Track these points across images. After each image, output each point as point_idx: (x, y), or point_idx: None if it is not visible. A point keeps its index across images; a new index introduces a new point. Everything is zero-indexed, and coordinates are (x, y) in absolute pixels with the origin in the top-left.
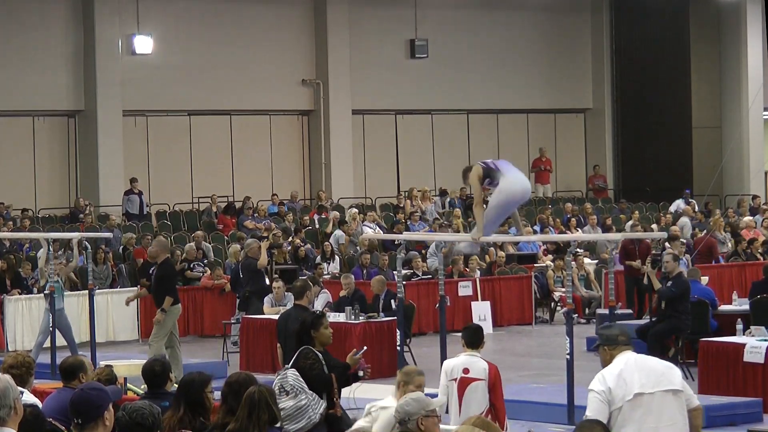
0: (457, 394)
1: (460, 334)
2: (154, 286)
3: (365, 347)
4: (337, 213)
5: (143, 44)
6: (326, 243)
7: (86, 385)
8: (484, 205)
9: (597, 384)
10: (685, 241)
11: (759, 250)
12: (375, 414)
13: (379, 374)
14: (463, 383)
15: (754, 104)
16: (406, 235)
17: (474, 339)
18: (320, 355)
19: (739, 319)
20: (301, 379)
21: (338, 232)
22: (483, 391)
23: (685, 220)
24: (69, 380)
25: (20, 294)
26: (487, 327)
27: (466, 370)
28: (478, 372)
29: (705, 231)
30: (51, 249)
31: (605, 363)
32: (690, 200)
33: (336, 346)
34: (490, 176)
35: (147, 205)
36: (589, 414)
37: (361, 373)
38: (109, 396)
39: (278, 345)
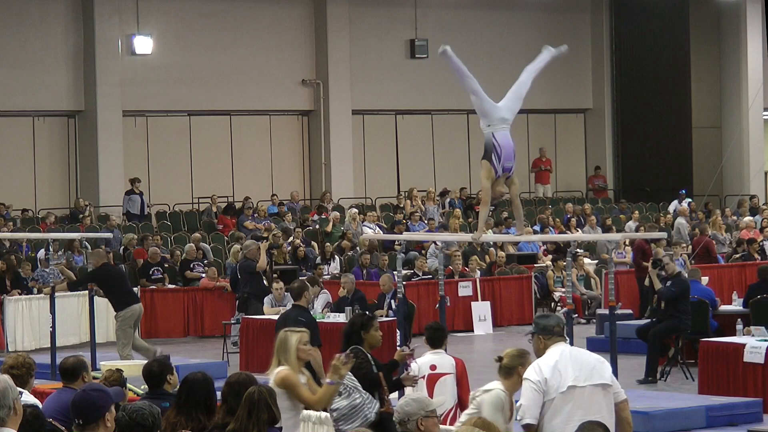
0: (427, 391)
1: (461, 334)
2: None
3: (416, 345)
4: (338, 213)
5: (143, 44)
6: (327, 243)
7: (88, 386)
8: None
9: (533, 374)
10: (684, 244)
11: (756, 249)
12: (479, 399)
13: None
14: (432, 379)
15: (754, 104)
16: (406, 235)
17: (436, 336)
18: (369, 355)
19: (739, 320)
20: (353, 378)
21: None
22: (452, 384)
23: (681, 221)
24: (70, 380)
25: (20, 294)
26: (487, 327)
27: (433, 367)
28: (446, 367)
29: (699, 231)
30: (51, 249)
31: (538, 352)
32: (688, 200)
33: (336, 347)
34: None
35: (148, 206)
36: (523, 403)
37: (408, 371)
38: (111, 397)
39: None
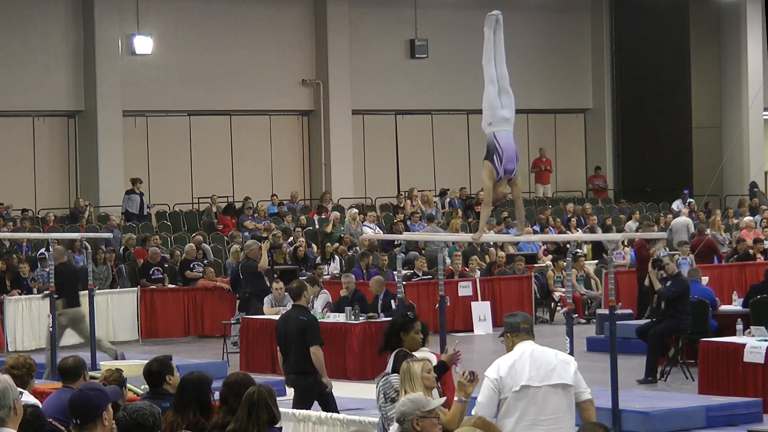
0: None
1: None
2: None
3: (457, 342)
4: (338, 213)
5: (143, 44)
6: (327, 244)
7: (85, 385)
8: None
9: (491, 372)
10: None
11: (753, 249)
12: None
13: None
14: None
15: (754, 104)
16: (406, 235)
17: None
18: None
19: (739, 320)
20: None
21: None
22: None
23: (686, 220)
24: (69, 380)
25: (20, 294)
26: (487, 327)
27: None
28: None
29: (698, 231)
30: (51, 249)
31: (508, 350)
32: (689, 200)
33: (336, 347)
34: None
35: (148, 206)
36: (480, 400)
37: (458, 369)
38: (108, 396)
39: (278, 348)
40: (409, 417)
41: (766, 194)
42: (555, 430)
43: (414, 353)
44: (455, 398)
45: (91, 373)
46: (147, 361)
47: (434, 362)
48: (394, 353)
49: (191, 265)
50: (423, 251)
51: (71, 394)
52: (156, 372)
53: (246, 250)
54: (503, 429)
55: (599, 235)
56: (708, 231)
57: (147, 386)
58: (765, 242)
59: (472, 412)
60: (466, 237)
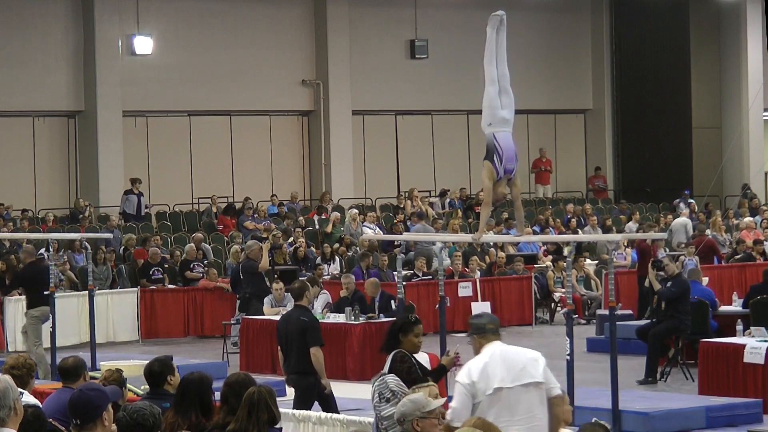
0: None
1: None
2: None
3: (458, 345)
4: (338, 214)
5: (143, 44)
6: (326, 244)
7: (85, 385)
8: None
9: (463, 377)
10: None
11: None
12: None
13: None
14: None
15: (754, 104)
16: (406, 236)
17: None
18: (414, 358)
19: (739, 320)
20: (402, 384)
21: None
22: None
23: (685, 221)
24: (70, 380)
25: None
26: None
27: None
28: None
29: (699, 232)
30: (51, 249)
31: (476, 351)
32: (690, 201)
33: (336, 347)
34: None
35: (146, 206)
36: (455, 405)
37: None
38: (108, 396)
39: (279, 348)
40: (410, 417)
41: (766, 194)
42: (530, 428)
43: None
44: None
45: (90, 374)
46: (147, 362)
47: (426, 362)
48: (392, 354)
49: (191, 266)
50: (412, 250)
51: (71, 395)
52: (157, 372)
53: (247, 250)
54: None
55: (599, 236)
56: (708, 231)
57: (147, 386)
58: (765, 243)
59: (447, 418)
60: (466, 237)
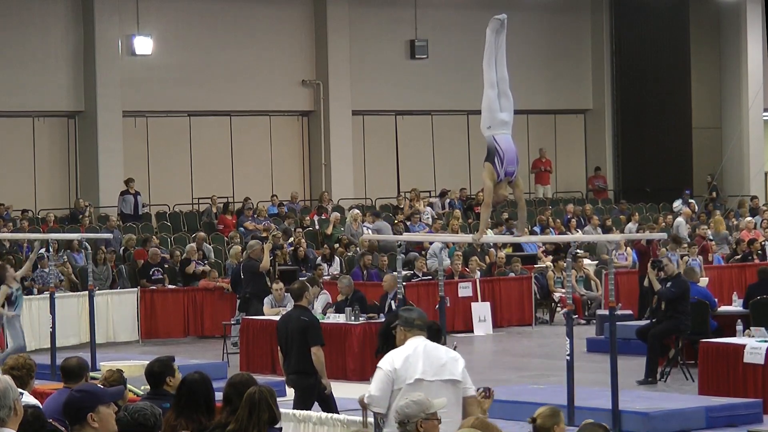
0: None
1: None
2: None
3: (455, 343)
4: (338, 214)
5: (143, 45)
6: (326, 245)
7: (78, 386)
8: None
9: (386, 363)
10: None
11: (757, 250)
12: None
13: None
14: None
15: (754, 104)
16: (407, 236)
17: (432, 337)
18: None
19: (739, 320)
20: None
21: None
22: None
23: (679, 221)
24: (71, 381)
25: None
26: (487, 328)
27: None
28: None
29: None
30: (51, 249)
31: (400, 343)
32: (690, 201)
33: (336, 347)
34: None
35: (143, 206)
36: (373, 391)
37: None
38: (99, 398)
39: (279, 348)
40: (414, 419)
41: (766, 194)
42: (444, 424)
43: None
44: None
45: (91, 374)
46: (147, 362)
47: None
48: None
49: (192, 264)
50: (423, 252)
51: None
52: (157, 372)
53: (248, 250)
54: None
55: (599, 236)
56: (708, 231)
57: (147, 386)
58: (766, 243)
59: (366, 402)
60: (466, 238)
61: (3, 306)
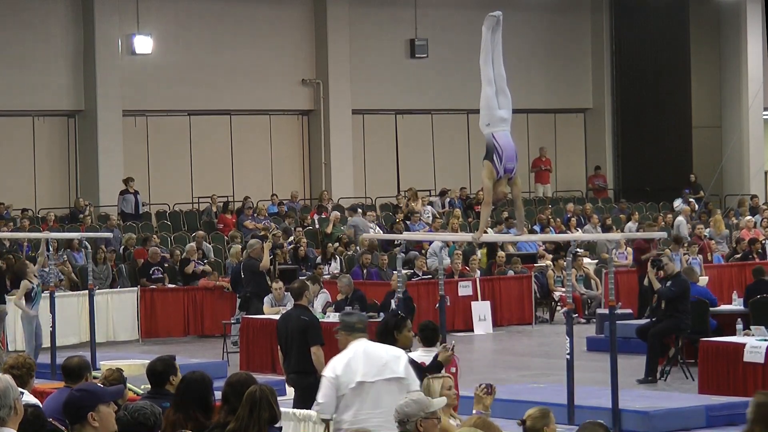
0: None
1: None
2: None
3: (453, 342)
4: (338, 213)
5: (143, 44)
6: (328, 244)
7: (78, 385)
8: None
9: (329, 371)
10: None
11: (757, 250)
12: None
13: None
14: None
15: (754, 104)
16: (406, 235)
17: (429, 336)
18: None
19: (739, 319)
20: None
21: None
22: None
23: (680, 220)
24: (72, 380)
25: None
26: (487, 327)
27: (422, 364)
28: None
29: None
30: (51, 249)
31: (342, 347)
32: (690, 200)
33: (336, 346)
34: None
35: (143, 204)
36: (320, 398)
37: (453, 369)
38: (99, 397)
39: (279, 347)
40: (413, 418)
41: (766, 194)
42: (389, 421)
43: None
44: (474, 411)
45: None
46: (147, 361)
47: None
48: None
49: (191, 264)
50: (423, 251)
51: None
52: (160, 372)
53: (249, 249)
54: (342, 423)
55: (599, 235)
56: (705, 232)
57: (147, 386)
58: (765, 241)
59: (314, 410)
60: (466, 237)
61: (23, 300)
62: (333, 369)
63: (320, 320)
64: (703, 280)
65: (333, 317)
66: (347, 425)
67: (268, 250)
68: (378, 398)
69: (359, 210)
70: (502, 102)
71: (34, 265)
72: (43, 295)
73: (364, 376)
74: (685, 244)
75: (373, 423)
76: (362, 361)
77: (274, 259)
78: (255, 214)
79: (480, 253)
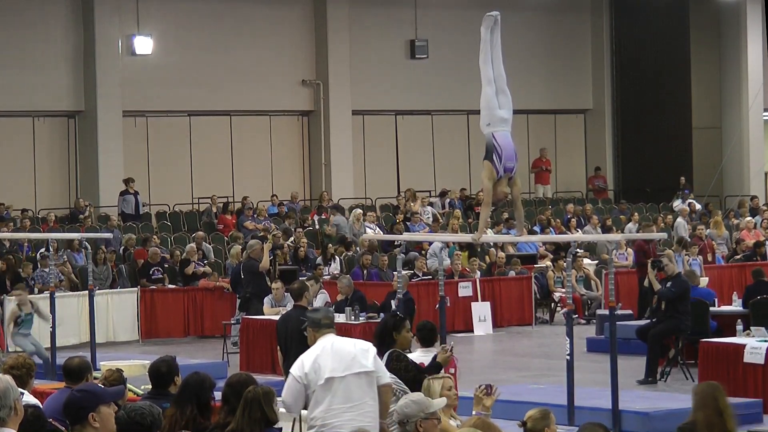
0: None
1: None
2: None
3: (453, 343)
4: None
5: (143, 44)
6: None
7: (79, 386)
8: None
9: (296, 369)
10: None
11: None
12: None
13: None
14: None
15: (754, 104)
16: (407, 236)
17: (427, 336)
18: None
19: (739, 320)
20: (399, 381)
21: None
22: None
23: (680, 221)
24: (72, 381)
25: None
26: (487, 327)
27: (421, 365)
28: None
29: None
30: (51, 249)
31: (311, 343)
32: (690, 200)
33: None
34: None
35: (143, 205)
36: (286, 397)
37: (452, 370)
38: (100, 398)
39: (278, 347)
40: (413, 419)
41: (766, 194)
42: (361, 415)
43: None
44: (474, 412)
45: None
46: (147, 362)
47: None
48: (387, 353)
49: (191, 264)
50: (423, 251)
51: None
52: (165, 373)
53: (248, 249)
54: (315, 420)
55: (599, 236)
56: (708, 232)
57: (147, 386)
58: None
59: (282, 410)
60: (466, 237)
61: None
62: (301, 367)
63: None
64: (703, 281)
65: None
66: (320, 422)
67: (268, 250)
68: (348, 393)
69: (343, 210)
70: (503, 102)
71: (34, 267)
72: (42, 295)
73: (332, 371)
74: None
75: (346, 417)
76: (330, 357)
77: (274, 259)
78: (255, 215)
79: (461, 255)
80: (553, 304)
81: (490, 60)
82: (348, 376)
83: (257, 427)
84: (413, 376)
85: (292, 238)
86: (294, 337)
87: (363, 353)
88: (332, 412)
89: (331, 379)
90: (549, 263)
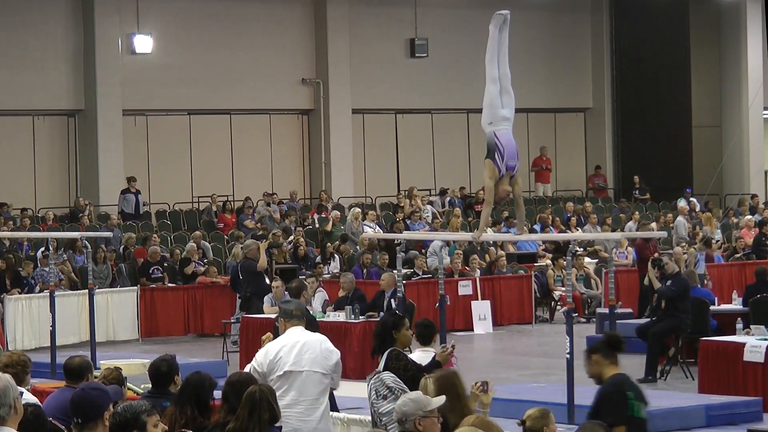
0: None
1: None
2: None
3: (453, 343)
4: (338, 212)
5: (143, 44)
6: (327, 243)
7: (87, 384)
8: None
9: (260, 356)
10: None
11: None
12: None
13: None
14: None
15: (754, 104)
16: (407, 235)
17: (425, 334)
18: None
19: (739, 319)
20: (398, 380)
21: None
22: None
23: (680, 220)
24: (73, 380)
25: (20, 293)
26: (487, 326)
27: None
28: None
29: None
30: (51, 248)
31: (282, 332)
32: (690, 199)
33: (335, 346)
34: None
35: (144, 204)
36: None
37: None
38: (110, 396)
39: None
40: (412, 417)
41: (766, 193)
42: (311, 410)
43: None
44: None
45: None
46: (147, 360)
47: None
48: (387, 352)
49: (191, 264)
50: (423, 250)
51: (73, 394)
52: (164, 372)
53: (245, 249)
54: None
55: (599, 234)
56: (705, 230)
57: (147, 385)
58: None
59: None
60: (466, 236)
61: None
62: (265, 354)
63: (319, 319)
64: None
65: (332, 316)
66: None
67: (264, 249)
68: (303, 387)
69: (343, 209)
70: (506, 101)
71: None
72: (42, 294)
73: (293, 364)
74: (684, 244)
75: (298, 410)
76: (295, 350)
77: (271, 258)
78: (255, 214)
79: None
80: (553, 303)
81: (497, 58)
82: (305, 372)
83: (266, 426)
84: (412, 375)
85: (291, 237)
86: None
87: (327, 353)
88: (285, 402)
89: (290, 372)
90: (549, 262)
